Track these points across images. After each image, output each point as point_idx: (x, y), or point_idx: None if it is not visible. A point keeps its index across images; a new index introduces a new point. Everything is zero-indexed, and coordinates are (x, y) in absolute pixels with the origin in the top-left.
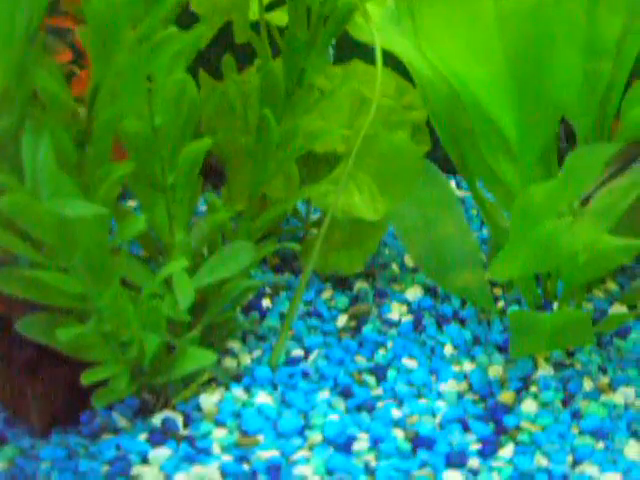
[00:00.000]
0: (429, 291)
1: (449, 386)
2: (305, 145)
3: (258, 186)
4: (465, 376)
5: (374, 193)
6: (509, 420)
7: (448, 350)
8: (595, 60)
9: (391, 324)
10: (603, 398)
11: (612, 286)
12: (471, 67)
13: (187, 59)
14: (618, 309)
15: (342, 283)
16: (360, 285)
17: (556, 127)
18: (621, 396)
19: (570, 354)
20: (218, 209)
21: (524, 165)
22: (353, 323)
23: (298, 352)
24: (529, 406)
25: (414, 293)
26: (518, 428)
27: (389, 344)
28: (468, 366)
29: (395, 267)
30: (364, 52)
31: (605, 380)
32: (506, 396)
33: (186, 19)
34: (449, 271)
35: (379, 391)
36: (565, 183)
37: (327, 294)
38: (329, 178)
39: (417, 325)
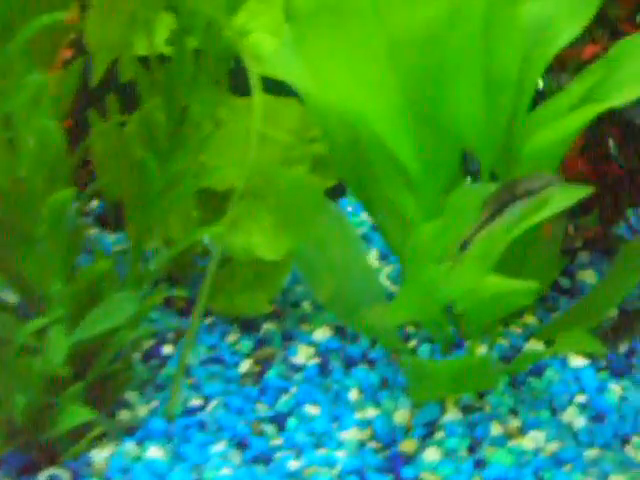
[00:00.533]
0: (339, 331)
1: (351, 434)
2: (197, 183)
3: (144, 229)
4: (369, 423)
5: (275, 232)
6: (408, 471)
7: (353, 395)
8: (495, 91)
9: (296, 368)
10: (511, 443)
11: (530, 319)
12: (365, 99)
13: (63, 101)
14: (534, 345)
15: (249, 325)
16: (268, 326)
17: (457, 161)
18: (531, 441)
19: (481, 396)
20: (100, 256)
21: (426, 201)
22: (257, 368)
23: (197, 401)
24: (431, 455)
25: (323, 334)
26: (417, 479)
27: (292, 390)
28: (373, 412)
29: (307, 305)
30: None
31: (515, 423)
32: (408, 444)
33: None
34: (356, 311)
35: (278, 441)
36: (449, 223)
37: (232, 337)
38: (227, 217)
39: (323, 369)
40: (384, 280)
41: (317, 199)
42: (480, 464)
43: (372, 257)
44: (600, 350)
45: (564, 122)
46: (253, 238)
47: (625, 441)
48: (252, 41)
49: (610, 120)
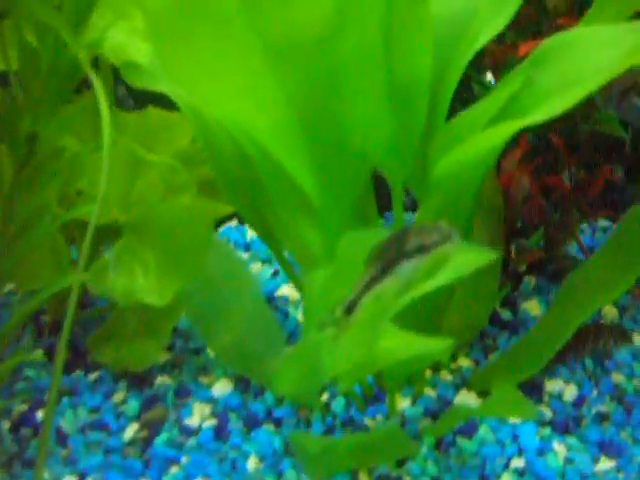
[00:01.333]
0: (242, 383)
1: None
2: (60, 218)
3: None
4: None
5: (159, 273)
6: None
7: (252, 464)
8: (403, 99)
9: (189, 432)
10: None
11: (465, 363)
12: (250, 112)
13: None
14: (465, 398)
15: (140, 379)
16: (161, 380)
17: (364, 184)
18: None
19: (399, 463)
20: None
21: (330, 232)
22: (144, 433)
23: (71, 479)
24: None
25: (223, 387)
26: None
27: (183, 460)
28: None
29: (210, 351)
30: None
31: None
32: None
33: None
34: (256, 362)
35: None
36: (338, 275)
37: (119, 396)
38: (106, 257)
39: (220, 432)
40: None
41: (205, 233)
42: None
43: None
44: (530, 413)
45: (477, 141)
46: (136, 281)
47: None
48: (125, 48)
49: (555, 128)
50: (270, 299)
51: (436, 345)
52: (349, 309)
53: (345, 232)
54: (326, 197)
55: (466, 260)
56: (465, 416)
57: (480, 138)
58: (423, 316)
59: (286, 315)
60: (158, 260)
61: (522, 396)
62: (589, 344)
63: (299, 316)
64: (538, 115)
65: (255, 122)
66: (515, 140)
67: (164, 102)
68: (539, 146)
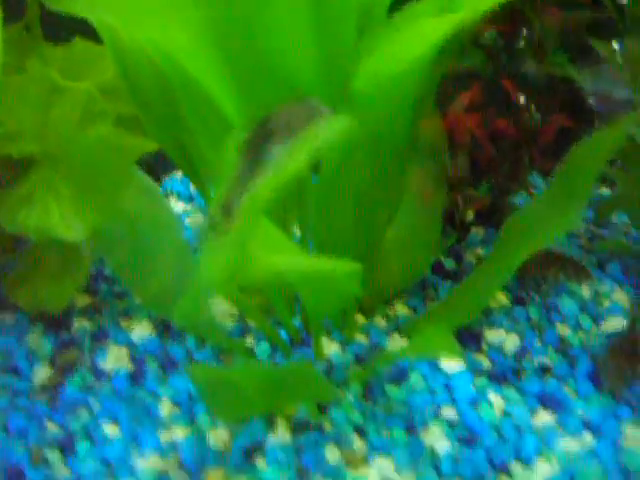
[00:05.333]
0: (163, 327)
1: (150, 463)
2: None
3: None
4: (175, 447)
5: (75, 207)
6: None
7: (166, 409)
8: (330, 24)
9: (103, 376)
10: (350, 474)
11: (402, 310)
12: (170, 34)
13: None
14: (397, 344)
15: (57, 323)
16: (80, 324)
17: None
18: (375, 471)
19: (322, 409)
20: None
21: None
22: (56, 377)
23: None
24: None
25: (142, 331)
26: None
27: (94, 405)
28: (183, 432)
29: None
30: None
31: (359, 447)
32: (215, 476)
33: None
34: (173, 303)
35: (63, 471)
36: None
37: (33, 339)
38: (21, 190)
39: (136, 376)
40: None
41: (123, 166)
42: None
43: None
44: (455, 353)
45: (400, 46)
46: (50, 215)
47: (502, 470)
48: None
49: (506, 71)
50: None
51: (327, 265)
52: (226, 211)
53: None
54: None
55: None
56: (390, 359)
57: (401, 41)
58: (357, 256)
59: None
60: (74, 193)
61: (449, 337)
62: (545, 270)
63: None
64: (469, 11)
65: (175, 43)
66: (466, 87)
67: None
68: (493, 95)
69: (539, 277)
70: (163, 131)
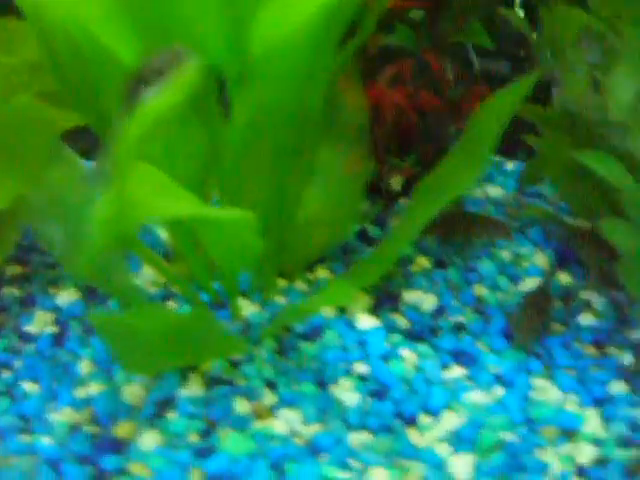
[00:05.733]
0: (89, 292)
1: (64, 416)
2: None
3: None
4: (89, 401)
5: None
6: (111, 461)
7: (85, 368)
8: None
9: (28, 339)
10: (256, 426)
11: (323, 273)
12: (82, 5)
13: None
14: None
15: None
16: (9, 291)
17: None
18: (283, 423)
19: (235, 365)
20: None
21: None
22: None
23: None
24: (149, 440)
25: (68, 297)
26: (122, 472)
27: (16, 364)
28: (99, 388)
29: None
30: None
31: (269, 400)
32: (126, 428)
33: None
34: (103, 274)
35: None
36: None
37: None
38: None
39: (59, 338)
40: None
41: (46, 137)
42: (205, 453)
43: None
44: (350, 297)
45: (288, 8)
46: None
47: (410, 422)
48: None
49: (430, 40)
50: None
51: (215, 212)
52: (106, 159)
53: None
54: None
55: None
56: (296, 311)
57: (289, 3)
58: (273, 221)
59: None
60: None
61: (351, 287)
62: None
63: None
64: None
65: (89, 15)
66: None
67: None
68: (420, 69)
69: (463, 241)
70: (84, 105)
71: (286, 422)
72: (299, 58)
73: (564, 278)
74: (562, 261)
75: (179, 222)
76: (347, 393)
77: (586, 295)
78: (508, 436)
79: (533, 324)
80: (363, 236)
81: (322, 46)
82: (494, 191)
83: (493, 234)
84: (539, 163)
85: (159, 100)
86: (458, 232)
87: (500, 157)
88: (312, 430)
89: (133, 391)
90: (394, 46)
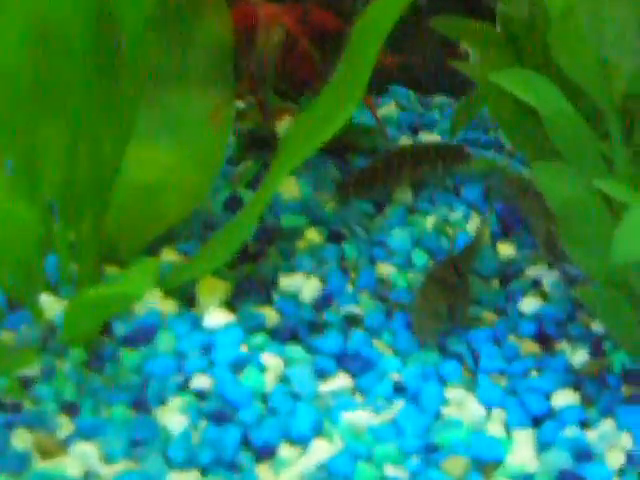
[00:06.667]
0: None
1: None
2: None
3: None
4: None
5: None
6: None
7: None
8: None
9: None
10: (36, 468)
11: (170, 256)
12: None
13: None
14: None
15: None
16: None
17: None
18: (76, 462)
19: (27, 383)
20: None
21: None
22: None
23: None
24: None
25: None
26: None
27: None
28: None
29: None
30: None
31: (64, 430)
32: None
33: None
34: None
35: None
36: None
37: None
38: None
39: None
40: None
41: None
42: None
43: None
44: (142, 288)
45: None
46: None
47: (262, 456)
48: None
49: None
50: None
51: None
52: None
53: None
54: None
55: None
56: (84, 301)
57: None
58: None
59: None
60: None
61: (148, 271)
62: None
63: None
64: None
65: None
66: None
67: None
68: None
69: (384, 195)
70: None
71: (81, 460)
72: None
73: (505, 250)
74: (506, 228)
75: None
76: (175, 417)
77: (534, 271)
78: (394, 472)
79: (438, 311)
80: (234, 204)
81: None
82: (433, 140)
83: (451, 161)
84: (476, 99)
85: None
86: (391, 176)
87: (446, 97)
88: (115, 470)
89: None
90: None
